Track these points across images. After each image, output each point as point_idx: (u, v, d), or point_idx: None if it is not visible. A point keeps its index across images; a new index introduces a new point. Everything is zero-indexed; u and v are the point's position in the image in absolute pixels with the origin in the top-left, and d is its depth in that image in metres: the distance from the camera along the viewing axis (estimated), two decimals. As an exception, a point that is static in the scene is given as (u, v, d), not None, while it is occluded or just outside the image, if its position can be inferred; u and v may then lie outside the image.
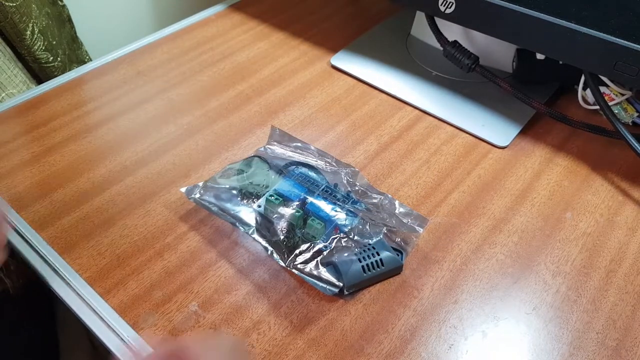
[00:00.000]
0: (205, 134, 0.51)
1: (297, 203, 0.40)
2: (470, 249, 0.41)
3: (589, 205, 0.45)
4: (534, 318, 0.37)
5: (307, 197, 0.40)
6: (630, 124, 0.53)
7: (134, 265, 0.40)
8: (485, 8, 0.47)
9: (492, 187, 0.46)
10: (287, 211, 0.39)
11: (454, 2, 0.48)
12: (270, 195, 0.40)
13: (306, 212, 0.40)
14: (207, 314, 0.37)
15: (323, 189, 0.41)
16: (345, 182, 0.42)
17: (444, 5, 0.49)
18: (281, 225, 0.38)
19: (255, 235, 0.39)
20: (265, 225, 0.39)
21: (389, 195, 0.42)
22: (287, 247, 0.38)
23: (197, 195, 0.42)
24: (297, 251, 0.37)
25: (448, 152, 0.50)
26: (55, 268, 0.40)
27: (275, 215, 0.39)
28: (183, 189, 0.43)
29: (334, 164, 0.44)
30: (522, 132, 0.52)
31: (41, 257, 0.41)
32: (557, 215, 0.44)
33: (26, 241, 0.42)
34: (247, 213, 0.40)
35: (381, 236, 0.39)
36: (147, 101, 0.55)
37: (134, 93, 0.56)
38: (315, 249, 0.37)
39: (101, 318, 0.37)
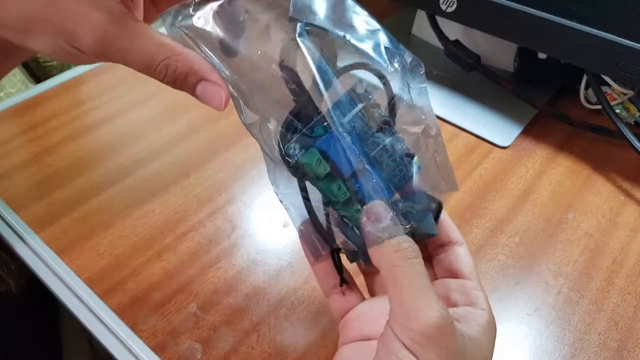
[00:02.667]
0: (205, 134, 0.51)
1: (346, 177, 0.26)
2: (472, 249, 0.41)
3: (590, 206, 0.45)
4: (535, 319, 0.37)
5: (361, 169, 0.26)
6: (632, 123, 0.52)
7: (132, 266, 0.39)
8: (487, 7, 0.46)
9: (494, 187, 0.46)
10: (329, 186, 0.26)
11: (455, 0, 0.48)
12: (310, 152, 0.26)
13: (354, 193, 0.26)
14: (206, 316, 0.37)
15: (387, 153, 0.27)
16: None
17: (445, 4, 0.49)
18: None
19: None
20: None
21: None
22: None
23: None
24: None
25: (449, 152, 0.49)
26: (54, 269, 0.39)
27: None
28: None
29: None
30: (524, 132, 0.52)
31: (39, 258, 0.40)
32: (558, 215, 0.44)
33: (24, 242, 0.41)
34: None
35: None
36: (146, 101, 0.54)
37: (134, 93, 0.55)
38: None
39: (100, 319, 0.36)
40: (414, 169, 0.28)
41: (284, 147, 0.25)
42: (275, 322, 0.36)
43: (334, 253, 0.28)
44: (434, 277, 0.29)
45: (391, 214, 0.25)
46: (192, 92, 0.28)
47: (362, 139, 0.26)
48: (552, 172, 0.48)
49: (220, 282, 0.38)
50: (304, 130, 0.26)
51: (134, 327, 0.36)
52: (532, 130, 0.52)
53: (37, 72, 0.65)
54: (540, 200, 0.45)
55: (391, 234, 0.24)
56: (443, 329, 0.22)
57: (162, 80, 0.28)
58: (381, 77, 0.27)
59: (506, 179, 0.47)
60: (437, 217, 0.29)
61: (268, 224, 0.43)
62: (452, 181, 0.31)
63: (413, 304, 0.22)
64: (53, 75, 0.59)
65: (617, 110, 0.52)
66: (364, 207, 0.25)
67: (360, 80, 0.26)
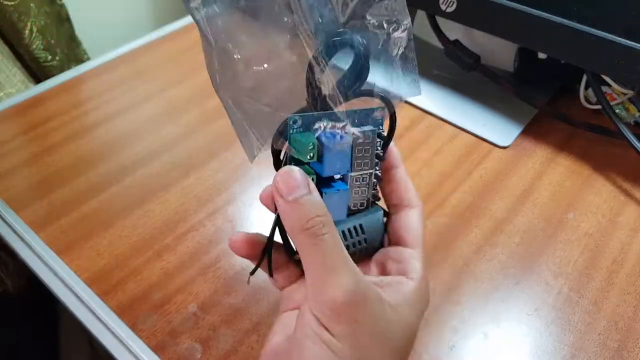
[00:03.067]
0: (205, 134, 0.51)
1: (321, 177, 0.26)
2: (472, 249, 0.41)
3: (590, 206, 0.45)
4: (535, 319, 0.37)
5: (339, 180, 0.27)
6: (632, 123, 0.52)
7: (132, 266, 0.39)
8: (487, 6, 0.46)
9: (494, 188, 0.46)
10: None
11: (455, 0, 0.48)
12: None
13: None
14: (206, 316, 0.37)
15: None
16: None
17: (445, 4, 0.49)
18: None
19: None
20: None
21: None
22: None
23: None
24: None
25: (449, 152, 0.49)
26: (54, 269, 0.39)
27: None
28: None
29: None
30: (524, 132, 0.52)
31: (39, 257, 0.40)
32: (558, 215, 0.44)
33: (24, 242, 0.41)
34: None
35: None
36: (146, 101, 0.54)
37: (133, 93, 0.55)
38: None
39: (100, 319, 0.36)
40: (379, 216, 0.29)
41: (289, 119, 0.25)
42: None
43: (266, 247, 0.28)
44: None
45: (307, 179, 0.24)
46: None
47: (356, 156, 0.27)
48: (552, 172, 0.48)
49: (220, 282, 0.38)
50: (314, 114, 0.25)
51: (134, 327, 0.36)
52: (532, 130, 0.52)
53: (37, 72, 0.65)
54: (540, 200, 0.45)
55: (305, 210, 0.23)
56: (351, 302, 0.22)
57: None
58: (390, 107, 0.27)
59: (506, 179, 0.47)
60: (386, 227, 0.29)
61: (268, 224, 0.43)
62: (416, 85, 0.29)
63: (321, 279, 0.23)
64: (53, 75, 0.59)
65: (617, 110, 0.52)
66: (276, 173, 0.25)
67: (382, 108, 0.27)
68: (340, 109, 0.26)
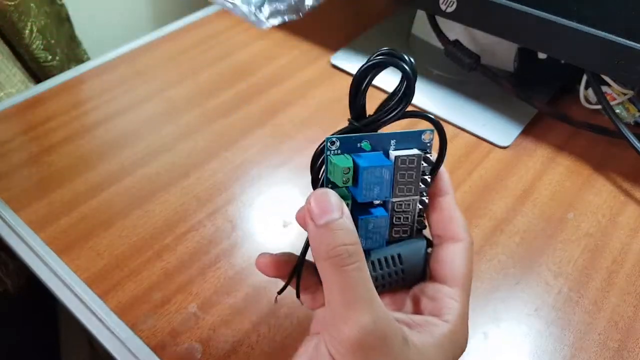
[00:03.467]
0: (205, 134, 0.51)
1: (357, 201, 0.25)
2: (472, 249, 0.41)
3: (591, 206, 0.45)
4: (535, 319, 0.37)
5: (376, 206, 0.26)
6: (632, 123, 0.52)
7: (132, 267, 0.39)
8: (487, 6, 0.46)
9: (494, 188, 0.46)
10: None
11: (455, 0, 0.48)
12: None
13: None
14: (206, 316, 0.36)
15: None
16: None
17: (445, 4, 0.49)
18: None
19: None
20: None
21: None
22: None
23: None
24: None
25: (449, 152, 0.49)
26: (53, 269, 0.39)
27: None
28: None
29: None
30: (524, 132, 0.51)
31: (39, 257, 0.40)
32: (559, 215, 0.44)
33: (24, 242, 0.41)
34: None
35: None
36: (146, 101, 0.54)
37: (133, 93, 0.55)
38: None
39: (99, 319, 0.36)
40: (421, 246, 0.27)
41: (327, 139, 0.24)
42: (275, 322, 0.36)
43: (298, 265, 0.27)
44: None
45: (343, 205, 0.23)
46: None
47: (398, 181, 0.25)
48: (552, 172, 0.48)
49: (220, 282, 0.38)
50: (351, 135, 0.24)
51: (134, 327, 0.36)
52: (532, 130, 0.52)
53: (37, 72, 0.65)
54: (540, 200, 0.45)
55: (335, 237, 0.22)
56: (366, 342, 0.21)
57: None
58: (439, 129, 0.26)
59: (506, 179, 0.47)
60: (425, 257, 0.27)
61: (268, 224, 0.43)
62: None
63: (339, 314, 0.21)
64: (53, 75, 0.59)
65: (617, 110, 0.52)
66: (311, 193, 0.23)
67: (432, 131, 0.26)
68: (383, 130, 0.25)
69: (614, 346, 0.35)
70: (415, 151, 0.25)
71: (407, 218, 0.26)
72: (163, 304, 0.37)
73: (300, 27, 0.66)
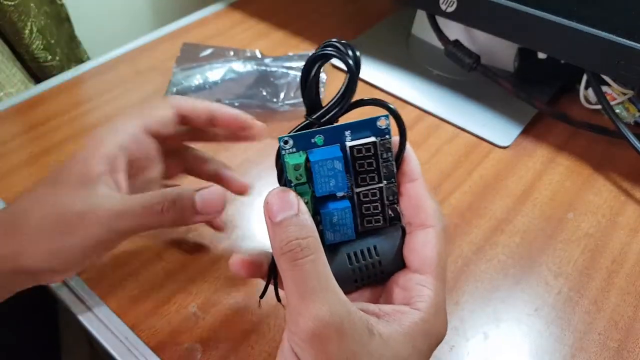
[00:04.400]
0: (205, 134, 0.51)
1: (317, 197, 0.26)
2: (472, 249, 0.41)
3: (591, 206, 0.45)
4: (535, 319, 0.37)
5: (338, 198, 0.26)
6: (632, 123, 0.52)
7: (132, 267, 0.39)
8: (487, 6, 0.46)
9: (494, 188, 0.46)
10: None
11: (455, 0, 0.48)
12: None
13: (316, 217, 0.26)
14: (206, 316, 0.36)
15: None
16: None
17: (445, 4, 0.49)
18: None
19: None
20: None
21: None
22: None
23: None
24: None
25: (449, 152, 0.49)
26: (54, 269, 0.39)
27: None
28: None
29: None
30: (524, 132, 0.52)
31: (39, 258, 0.40)
32: (559, 215, 0.44)
33: (24, 242, 0.41)
34: None
35: None
36: (146, 101, 0.54)
37: (133, 93, 0.55)
38: None
39: (100, 319, 0.36)
40: (397, 235, 0.26)
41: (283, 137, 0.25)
42: (275, 322, 0.36)
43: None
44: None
45: (298, 201, 0.23)
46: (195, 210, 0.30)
47: (357, 171, 0.25)
48: (552, 172, 0.48)
49: (220, 282, 0.38)
50: (304, 131, 0.25)
51: (134, 327, 0.36)
52: (532, 130, 0.52)
53: (37, 72, 0.65)
54: (540, 200, 0.45)
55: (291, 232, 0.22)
56: (322, 333, 0.21)
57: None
58: (392, 112, 0.26)
59: (506, 179, 0.47)
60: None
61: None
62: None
63: (295, 308, 0.21)
64: (53, 75, 0.59)
65: (617, 110, 0.52)
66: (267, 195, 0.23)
67: (387, 117, 0.26)
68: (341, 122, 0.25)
69: (614, 346, 0.35)
70: (371, 139, 0.25)
71: (377, 207, 0.26)
72: (163, 304, 0.37)
73: (300, 26, 0.66)
